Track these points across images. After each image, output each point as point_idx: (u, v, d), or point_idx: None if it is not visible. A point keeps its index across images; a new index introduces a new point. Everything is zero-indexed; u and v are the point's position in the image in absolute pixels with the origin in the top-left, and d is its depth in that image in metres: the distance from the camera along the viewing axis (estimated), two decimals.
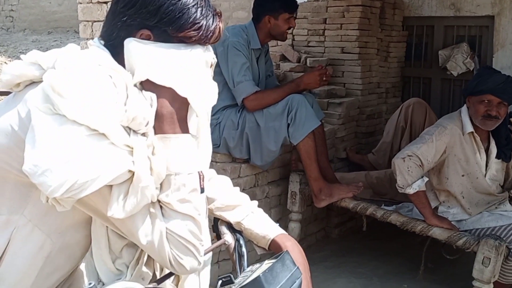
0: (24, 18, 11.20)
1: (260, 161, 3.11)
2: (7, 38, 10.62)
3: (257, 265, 1.14)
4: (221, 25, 1.14)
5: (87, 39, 3.41)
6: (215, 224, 1.38)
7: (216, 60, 1.16)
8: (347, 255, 3.61)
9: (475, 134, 2.84)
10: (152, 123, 1.03)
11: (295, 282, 1.07)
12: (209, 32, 1.10)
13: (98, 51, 1.09)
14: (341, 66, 4.34)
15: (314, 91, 3.76)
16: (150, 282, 1.15)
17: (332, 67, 4.31)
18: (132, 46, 1.06)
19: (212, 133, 3.12)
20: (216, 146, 3.12)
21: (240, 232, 1.35)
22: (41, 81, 0.99)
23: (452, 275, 3.28)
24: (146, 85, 1.06)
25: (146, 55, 1.06)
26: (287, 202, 3.35)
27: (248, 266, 1.20)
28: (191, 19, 1.08)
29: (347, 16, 4.29)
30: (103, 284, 1.10)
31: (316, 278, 3.16)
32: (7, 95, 1.20)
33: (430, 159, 2.78)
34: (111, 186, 0.97)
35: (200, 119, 1.12)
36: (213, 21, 1.11)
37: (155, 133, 1.04)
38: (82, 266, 1.21)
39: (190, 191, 1.04)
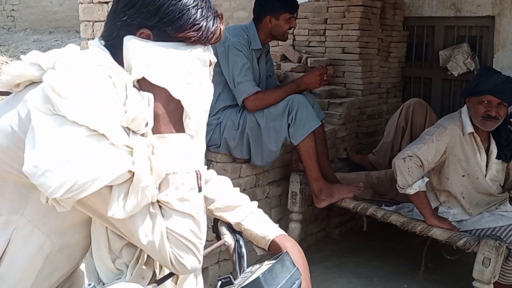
0: (25, 18, 11.21)
1: (260, 161, 3.11)
2: (8, 37, 10.63)
3: (257, 265, 1.14)
4: (222, 26, 1.14)
5: (88, 39, 3.41)
6: (215, 224, 1.38)
7: (215, 59, 1.16)
8: (347, 255, 3.61)
9: (475, 135, 2.84)
10: (151, 123, 1.04)
11: (295, 283, 1.07)
12: (209, 33, 1.11)
13: (98, 52, 1.09)
14: (341, 66, 4.34)
15: (315, 91, 3.76)
16: (150, 281, 1.15)
17: (333, 67, 4.30)
18: (131, 43, 1.07)
19: (212, 133, 3.15)
20: (216, 146, 3.12)
21: (240, 233, 1.35)
22: (41, 82, 0.99)
23: (453, 276, 3.28)
24: (143, 83, 1.07)
25: (144, 53, 1.06)
26: (288, 202, 3.35)
27: (248, 267, 1.20)
28: (191, 20, 1.08)
29: (347, 16, 4.29)
30: (103, 284, 1.10)
31: (316, 278, 3.16)
32: (7, 95, 1.21)
33: (430, 159, 2.78)
34: (111, 186, 0.97)
35: (197, 118, 1.12)
36: (213, 23, 1.12)
37: (153, 133, 1.05)
38: (83, 267, 1.21)
39: (189, 190, 1.05)
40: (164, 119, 1.06)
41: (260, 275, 1.02)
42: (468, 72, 4.45)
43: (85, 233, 1.12)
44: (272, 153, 3.08)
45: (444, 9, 4.52)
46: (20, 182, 1.02)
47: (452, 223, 2.86)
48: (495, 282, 2.63)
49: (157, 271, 1.18)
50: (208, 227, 1.14)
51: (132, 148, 0.98)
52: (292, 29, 3.47)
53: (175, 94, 1.06)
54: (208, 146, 3.11)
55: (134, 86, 1.05)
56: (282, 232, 1.35)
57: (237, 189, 1.41)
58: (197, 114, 1.11)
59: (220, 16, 1.14)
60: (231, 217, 1.34)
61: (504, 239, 2.65)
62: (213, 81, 1.20)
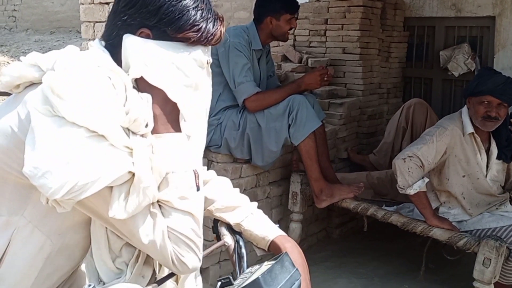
0: (26, 18, 11.23)
1: (261, 161, 3.11)
2: (10, 38, 10.65)
3: (257, 266, 1.14)
4: (222, 28, 1.15)
5: (89, 40, 3.42)
6: (215, 225, 1.38)
7: (211, 60, 1.17)
8: (348, 256, 3.61)
9: (476, 135, 2.84)
10: (151, 124, 1.04)
11: (294, 283, 1.07)
12: (209, 34, 1.11)
13: (97, 52, 1.09)
14: (342, 66, 4.34)
15: (315, 91, 3.77)
16: (150, 280, 1.15)
17: (333, 68, 4.30)
18: (130, 41, 1.07)
19: (213, 134, 3.16)
20: (217, 147, 3.13)
21: (240, 234, 1.35)
22: (40, 83, 0.99)
23: (453, 276, 3.28)
24: (141, 82, 1.07)
25: (142, 51, 1.06)
26: (288, 202, 3.35)
27: (247, 268, 1.20)
28: (190, 21, 1.09)
29: (348, 17, 4.29)
30: (104, 284, 1.11)
31: (317, 278, 3.16)
32: (7, 96, 1.21)
33: (430, 159, 2.78)
34: (111, 187, 0.97)
35: (194, 120, 1.12)
36: (213, 25, 1.12)
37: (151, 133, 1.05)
38: (83, 267, 1.21)
39: (188, 188, 1.05)
40: (162, 119, 1.07)
41: (260, 276, 1.02)
42: (468, 73, 4.45)
43: (85, 233, 1.12)
44: (273, 153, 3.08)
45: (444, 10, 4.52)
46: (20, 183, 1.02)
47: (453, 223, 2.86)
48: (495, 283, 2.63)
49: (156, 270, 1.18)
50: (208, 228, 1.15)
51: (132, 149, 0.99)
52: (293, 29, 3.47)
53: (172, 96, 1.07)
54: (208, 146, 3.11)
55: (133, 87, 1.06)
56: (282, 232, 1.35)
57: (237, 189, 1.41)
58: (193, 116, 1.11)
59: (221, 19, 1.15)
60: (231, 218, 1.34)
61: (505, 239, 2.65)
62: (213, 82, 1.20)
